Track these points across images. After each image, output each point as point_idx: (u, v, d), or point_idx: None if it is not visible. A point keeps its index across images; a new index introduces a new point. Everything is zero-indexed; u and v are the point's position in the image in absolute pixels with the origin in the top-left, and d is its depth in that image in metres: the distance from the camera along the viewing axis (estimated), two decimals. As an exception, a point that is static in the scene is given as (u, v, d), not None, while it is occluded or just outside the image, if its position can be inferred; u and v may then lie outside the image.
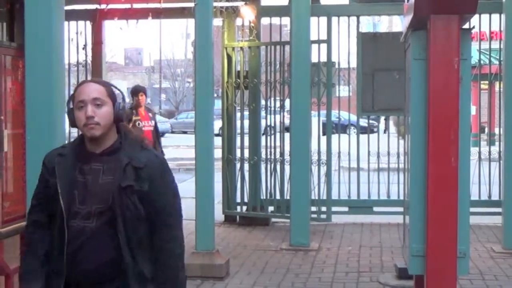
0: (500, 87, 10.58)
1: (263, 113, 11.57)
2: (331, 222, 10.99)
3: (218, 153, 9.68)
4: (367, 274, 8.30)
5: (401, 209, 8.56)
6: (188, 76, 59.13)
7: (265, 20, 11.91)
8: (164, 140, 17.42)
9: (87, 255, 3.30)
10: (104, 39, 13.03)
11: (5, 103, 10.17)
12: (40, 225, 3.43)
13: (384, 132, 15.74)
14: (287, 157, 10.65)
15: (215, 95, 9.45)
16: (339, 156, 11.50)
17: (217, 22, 11.02)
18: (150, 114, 11.69)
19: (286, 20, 11.24)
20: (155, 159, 3.44)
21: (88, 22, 12.48)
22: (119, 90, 3.50)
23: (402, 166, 9.40)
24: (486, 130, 16.00)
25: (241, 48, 11.46)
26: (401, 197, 9.73)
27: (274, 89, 11.22)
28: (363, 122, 15.62)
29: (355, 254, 9.32)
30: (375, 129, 20.29)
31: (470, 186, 6.17)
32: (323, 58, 10.65)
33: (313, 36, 10.19)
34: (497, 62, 11.02)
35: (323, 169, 10.83)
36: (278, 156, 11.15)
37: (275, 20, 11.78)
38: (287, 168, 10.58)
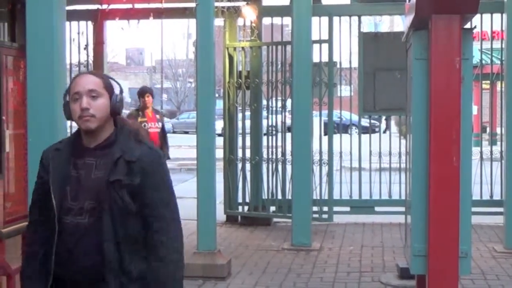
0: (501, 87, 10.57)
1: (264, 113, 11.57)
2: (333, 222, 10.99)
3: (219, 153, 9.68)
4: (369, 274, 8.30)
5: (402, 209, 8.56)
6: (190, 76, 59.16)
7: (266, 20, 11.91)
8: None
9: (83, 252, 3.21)
10: (106, 39, 13.04)
11: (6, 103, 10.18)
12: (39, 223, 3.36)
13: (384, 132, 15.74)
14: (288, 157, 10.65)
15: (217, 95, 9.45)
16: (340, 156, 11.50)
17: (219, 22, 11.02)
18: (158, 116, 11.66)
19: (287, 20, 11.24)
20: (149, 152, 3.33)
21: (89, 22, 12.50)
22: (117, 82, 3.41)
23: (403, 166, 9.40)
24: (488, 129, 16.00)
25: (243, 48, 11.46)
26: (403, 197, 9.72)
27: (275, 89, 11.22)
28: (365, 122, 15.63)
29: (356, 254, 9.32)
30: (377, 129, 20.29)
31: (472, 186, 6.17)
32: (325, 58, 10.66)
33: (315, 36, 10.19)
34: (499, 62, 11.03)
35: (325, 169, 10.83)
36: (279, 156, 11.15)
37: (277, 20, 11.79)
38: (288, 168, 10.58)
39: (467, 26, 5.83)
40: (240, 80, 11.32)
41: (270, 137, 11.26)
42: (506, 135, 9.54)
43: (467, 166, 5.65)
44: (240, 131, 11.53)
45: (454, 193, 5.52)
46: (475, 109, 14.00)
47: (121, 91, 3.38)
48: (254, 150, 11.46)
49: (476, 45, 10.44)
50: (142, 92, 11.76)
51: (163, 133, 11.71)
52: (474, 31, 5.89)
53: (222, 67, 11.50)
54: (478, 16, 9.99)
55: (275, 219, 11.42)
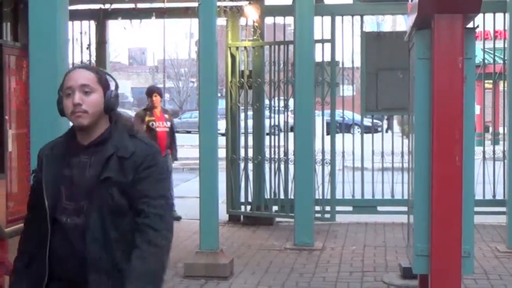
0: (504, 86, 10.56)
1: (267, 113, 11.57)
2: (335, 221, 11.00)
3: (222, 152, 9.68)
4: (371, 273, 8.29)
5: (405, 208, 8.56)
6: (192, 76, 59.16)
7: (268, 20, 11.92)
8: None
9: (80, 252, 3.13)
10: (108, 39, 13.06)
11: (9, 103, 10.22)
12: (34, 222, 3.29)
13: (386, 131, 15.74)
14: (291, 156, 10.64)
15: (219, 94, 9.46)
16: (343, 156, 11.49)
17: (221, 21, 11.02)
18: (166, 116, 11.71)
19: (290, 20, 11.25)
20: (144, 147, 3.23)
21: (92, 22, 12.51)
22: (112, 77, 3.32)
23: (406, 165, 9.40)
24: (491, 129, 15.99)
25: (245, 47, 11.46)
26: (405, 197, 9.74)
27: (278, 88, 11.22)
28: (367, 122, 15.62)
29: (359, 253, 9.32)
30: (379, 129, 20.27)
31: (475, 185, 6.16)
32: (327, 58, 10.66)
33: (317, 36, 10.18)
34: (501, 61, 11.00)
35: (327, 168, 10.84)
36: (282, 155, 11.15)
37: (279, 20, 11.79)
38: (291, 167, 10.57)
39: (470, 25, 5.83)
40: (242, 80, 11.33)
41: (272, 137, 11.26)
42: (509, 134, 9.53)
43: (470, 166, 5.64)
44: (242, 130, 11.53)
45: (456, 193, 5.52)
46: (477, 109, 14.00)
47: (117, 87, 3.29)
48: (257, 149, 11.46)
49: (478, 45, 10.44)
50: (150, 92, 11.81)
51: (171, 133, 11.71)
52: (477, 30, 5.88)
53: (225, 66, 11.50)
54: (480, 15, 9.99)
55: (277, 219, 11.41)
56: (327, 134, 11.07)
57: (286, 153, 11.11)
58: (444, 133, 5.51)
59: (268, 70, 11.31)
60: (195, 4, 8.43)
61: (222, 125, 11.25)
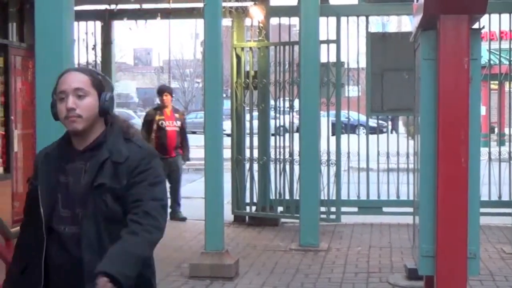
0: (510, 87, 10.55)
1: (272, 113, 11.58)
2: (341, 222, 10.98)
3: (227, 153, 9.68)
4: (377, 274, 8.29)
5: (410, 209, 8.53)
6: (197, 76, 59.17)
7: (274, 20, 11.92)
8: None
9: (79, 260, 3.05)
10: (113, 39, 13.07)
11: (15, 103, 10.25)
12: (29, 229, 3.20)
13: (391, 132, 15.72)
14: (296, 157, 10.64)
15: (224, 95, 9.47)
16: (348, 157, 11.48)
17: (226, 22, 11.03)
18: (177, 115, 11.74)
19: (295, 20, 11.25)
20: (138, 150, 3.13)
21: (98, 22, 12.52)
22: (107, 79, 3.22)
23: (411, 166, 9.39)
24: (496, 130, 15.97)
25: (250, 48, 11.47)
26: (411, 198, 9.71)
27: (283, 89, 11.22)
28: (373, 122, 15.60)
29: (364, 254, 9.31)
30: (384, 129, 20.26)
31: (480, 186, 6.15)
32: (332, 58, 10.66)
33: (322, 36, 10.18)
34: (507, 62, 11.00)
35: (333, 169, 10.83)
36: (287, 156, 11.15)
37: (284, 20, 11.80)
38: (296, 168, 10.57)
39: (476, 26, 5.82)
40: (247, 80, 11.33)
41: (277, 138, 11.26)
42: (515, 135, 9.52)
43: (476, 167, 5.63)
44: (247, 131, 11.53)
45: (462, 194, 5.51)
46: (483, 110, 13.98)
47: (112, 89, 3.20)
48: (262, 150, 11.46)
49: (484, 45, 10.43)
50: (161, 91, 11.86)
51: (182, 132, 11.69)
52: (483, 31, 5.88)
53: (230, 67, 11.51)
54: (486, 16, 9.97)
55: (282, 220, 11.41)
56: (333, 134, 11.06)
57: (291, 154, 11.10)
58: (450, 134, 5.50)
59: (274, 71, 11.31)
60: (201, 5, 8.44)
61: (227, 125, 11.25)
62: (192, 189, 14.20)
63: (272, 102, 11.48)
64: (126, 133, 3.18)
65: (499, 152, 11.24)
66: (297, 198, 10.27)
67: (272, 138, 11.44)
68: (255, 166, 11.43)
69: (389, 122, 24.29)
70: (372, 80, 10.86)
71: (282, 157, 11.18)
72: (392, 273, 8.29)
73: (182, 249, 9.43)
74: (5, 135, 10.07)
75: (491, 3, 6.51)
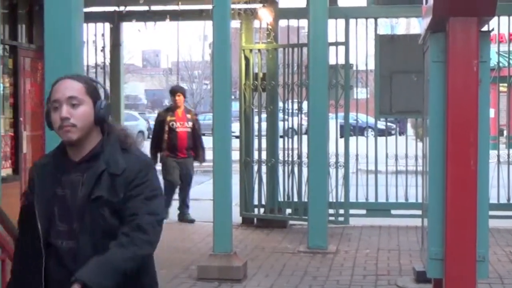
0: (519, 90, 10.52)
1: (280, 115, 11.57)
2: (349, 224, 10.97)
3: (235, 155, 9.69)
4: (385, 277, 8.27)
5: (419, 212, 8.53)
6: (206, 78, 59.21)
7: (282, 22, 11.93)
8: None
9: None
10: (122, 41, 13.10)
11: (24, 104, 10.28)
12: (27, 245, 3.10)
13: (400, 134, 15.70)
14: (304, 159, 10.63)
15: (233, 97, 9.47)
16: (356, 159, 11.47)
17: (235, 24, 11.03)
18: (189, 116, 11.68)
19: (303, 22, 11.23)
20: (135, 162, 3.03)
21: (107, 24, 12.55)
22: (102, 86, 3.15)
23: (420, 168, 9.37)
24: (505, 132, 15.91)
25: (259, 50, 11.47)
26: (419, 200, 9.70)
27: (291, 91, 11.22)
28: (381, 125, 15.59)
29: (373, 257, 9.30)
30: (393, 132, 20.23)
31: (489, 189, 6.14)
32: (341, 60, 10.64)
33: (331, 38, 10.18)
34: (516, 65, 10.97)
35: (341, 171, 10.81)
36: (295, 158, 11.15)
37: (293, 22, 11.79)
38: (304, 170, 10.57)
39: (485, 28, 5.81)
40: (256, 82, 11.33)
41: (286, 140, 11.25)
42: (524, 138, 9.49)
43: (485, 169, 5.62)
44: (256, 133, 11.53)
45: (471, 196, 5.49)
46: (492, 112, 13.95)
47: (107, 96, 3.12)
48: (270, 152, 11.46)
49: (493, 48, 10.40)
50: (174, 91, 11.83)
51: (194, 133, 11.62)
52: (492, 33, 5.86)
53: (238, 69, 11.51)
54: (495, 18, 9.95)
55: (291, 222, 11.40)
56: (341, 137, 11.05)
57: (299, 156, 11.10)
58: (459, 136, 5.49)
59: (282, 73, 11.31)
60: (209, 7, 8.45)
61: (235, 127, 11.25)
62: (200, 191, 14.21)
63: (280, 104, 11.48)
64: (124, 142, 3.08)
65: (508, 155, 11.21)
66: (306, 200, 10.26)
67: (281, 140, 11.44)
68: (264, 168, 11.43)
69: (396, 124, 24.28)
70: (381, 82, 10.84)
71: (290, 159, 11.17)
72: (400, 275, 8.27)
73: (191, 251, 9.43)
74: (14, 137, 10.11)
75: (500, 5, 6.49)
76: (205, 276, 7.99)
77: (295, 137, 11.35)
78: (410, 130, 24.81)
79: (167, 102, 60.50)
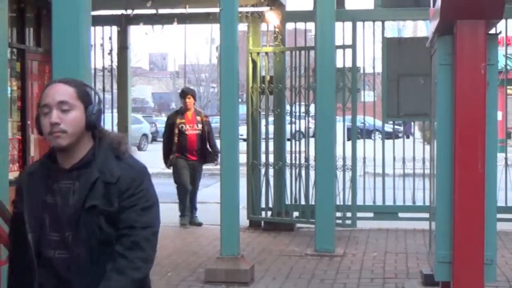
0: (527, 93, 10.50)
1: (288, 118, 11.57)
2: (356, 227, 10.96)
3: (243, 158, 9.69)
4: (393, 280, 8.26)
5: (426, 215, 8.52)
6: (213, 81, 59.29)
7: (290, 25, 11.92)
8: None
9: (70, 287, 2.90)
10: (130, 44, 13.12)
11: (31, 108, 10.30)
12: (19, 257, 3.01)
13: (408, 137, 15.68)
14: (312, 162, 10.63)
15: (240, 100, 9.47)
16: (364, 162, 11.46)
17: (242, 27, 11.04)
18: (198, 118, 11.61)
19: (311, 25, 11.24)
20: (130, 170, 2.93)
21: (114, 27, 12.58)
22: (94, 90, 3.04)
23: (427, 171, 9.36)
24: (513, 135, 15.88)
25: (266, 53, 11.48)
26: (427, 203, 9.68)
27: (299, 94, 11.22)
28: (389, 127, 15.59)
29: (380, 260, 9.28)
30: (400, 134, 20.21)
31: (497, 192, 6.13)
32: (348, 63, 10.65)
33: (338, 41, 10.18)
34: (524, 67, 10.95)
35: (348, 174, 10.81)
36: (303, 161, 11.14)
37: (300, 25, 11.79)
38: (312, 173, 10.56)
39: (492, 31, 5.81)
40: (263, 85, 11.33)
41: (293, 143, 11.26)
42: (532, 141, 9.47)
43: (492, 172, 5.62)
44: (263, 136, 11.53)
45: (479, 199, 5.49)
46: (499, 115, 13.93)
47: (99, 102, 3.00)
48: (277, 155, 11.46)
49: (501, 51, 10.38)
50: (184, 94, 11.79)
51: (203, 135, 11.54)
52: (499, 36, 5.86)
53: (246, 72, 11.51)
54: (503, 21, 9.94)
55: (298, 225, 11.40)
56: (348, 140, 11.05)
57: (307, 159, 11.09)
58: (467, 139, 5.49)
59: (289, 76, 11.31)
60: (217, 10, 8.46)
61: (243, 130, 11.25)
62: (207, 194, 14.20)
63: (287, 107, 11.48)
64: (117, 150, 2.98)
65: (516, 158, 11.18)
66: (313, 203, 10.25)
67: (288, 143, 11.44)
68: (271, 171, 11.43)
69: (404, 127, 24.25)
70: (388, 85, 10.85)
71: (297, 162, 11.17)
72: (408, 279, 8.26)
73: (198, 254, 9.43)
74: (21, 140, 10.13)
75: (508, 8, 6.50)
76: (212, 279, 7.99)
77: (303, 140, 11.35)
78: (417, 133, 24.78)
79: (174, 105, 60.61)
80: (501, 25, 8.72)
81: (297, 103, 11.34)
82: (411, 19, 12.34)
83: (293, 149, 11.22)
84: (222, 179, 8.27)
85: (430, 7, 6.75)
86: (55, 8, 5.90)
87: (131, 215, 2.88)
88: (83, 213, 2.86)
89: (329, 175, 9.69)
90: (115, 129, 12.58)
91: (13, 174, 9.45)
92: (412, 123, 22.54)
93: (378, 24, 11.43)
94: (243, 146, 10.31)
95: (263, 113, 11.52)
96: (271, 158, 11.43)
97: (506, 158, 11.08)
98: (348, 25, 10.78)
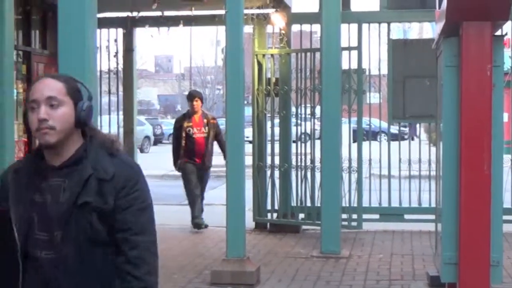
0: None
1: (293, 120, 11.57)
2: (362, 229, 10.95)
3: (248, 160, 9.69)
4: (399, 282, 8.25)
5: (432, 216, 8.51)
6: (218, 83, 59.34)
7: (295, 27, 11.93)
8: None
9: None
10: (135, 46, 13.14)
11: (38, 110, 10.31)
12: (3, 259, 2.87)
13: (413, 139, 15.69)
14: (317, 164, 10.63)
15: (245, 102, 9.48)
16: (369, 163, 11.45)
17: (248, 29, 11.05)
18: (205, 120, 11.55)
19: (316, 27, 11.24)
20: (125, 168, 2.83)
21: (120, 30, 12.60)
22: (85, 86, 2.90)
23: (433, 173, 9.35)
24: (519, 137, 15.87)
25: (272, 55, 11.48)
26: (433, 205, 9.68)
27: (304, 96, 11.22)
28: (394, 129, 15.58)
29: (386, 261, 9.28)
30: (406, 136, 20.20)
31: (503, 193, 6.12)
32: (354, 65, 10.64)
33: (344, 43, 10.18)
34: (530, 69, 10.92)
35: (354, 176, 10.80)
36: (308, 163, 11.14)
37: (306, 27, 11.79)
38: (317, 175, 10.55)
39: (498, 33, 5.81)
40: (269, 87, 11.33)
41: (299, 144, 11.25)
42: (538, 142, 9.46)
43: (498, 174, 5.61)
44: (269, 138, 11.53)
45: (485, 201, 5.49)
46: (506, 117, 13.91)
47: (90, 98, 2.88)
48: (283, 157, 11.46)
49: (507, 52, 10.38)
50: (191, 96, 11.74)
51: (210, 138, 11.49)
52: (505, 38, 5.86)
53: (251, 74, 11.51)
54: (509, 23, 9.93)
55: (304, 227, 11.39)
56: (354, 141, 11.04)
57: (312, 161, 11.09)
58: (472, 141, 5.49)
59: (295, 78, 11.31)
60: (222, 12, 8.47)
61: (248, 132, 11.25)
62: (213, 196, 14.19)
63: (293, 109, 11.47)
64: (110, 148, 2.87)
65: (522, 159, 11.16)
66: (319, 205, 10.25)
67: (294, 145, 11.44)
68: (277, 173, 11.43)
69: (407, 129, 24.22)
70: (394, 87, 10.84)
71: (303, 164, 11.17)
72: (414, 280, 8.26)
73: (204, 256, 9.44)
74: (27, 142, 10.13)
75: (514, 10, 6.48)
76: (218, 281, 8.00)
77: (308, 142, 11.34)
78: (423, 135, 24.79)
79: (179, 107, 60.65)
80: (507, 27, 8.71)
81: (303, 105, 11.34)
82: (416, 20, 12.32)
83: (299, 151, 11.22)
84: (228, 181, 8.28)
85: (436, 8, 6.75)
86: (61, 11, 5.91)
87: (127, 216, 2.79)
88: (75, 210, 2.76)
89: (335, 177, 9.69)
90: (121, 131, 12.60)
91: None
92: (418, 125, 22.53)
93: (384, 26, 11.42)
94: (248, 148, 10.32)
95: (269, 115, 11.52)
96: (277, 160, 11.43)
97: (512, 160, 11.06)
98: (354, 27, 10.77)
